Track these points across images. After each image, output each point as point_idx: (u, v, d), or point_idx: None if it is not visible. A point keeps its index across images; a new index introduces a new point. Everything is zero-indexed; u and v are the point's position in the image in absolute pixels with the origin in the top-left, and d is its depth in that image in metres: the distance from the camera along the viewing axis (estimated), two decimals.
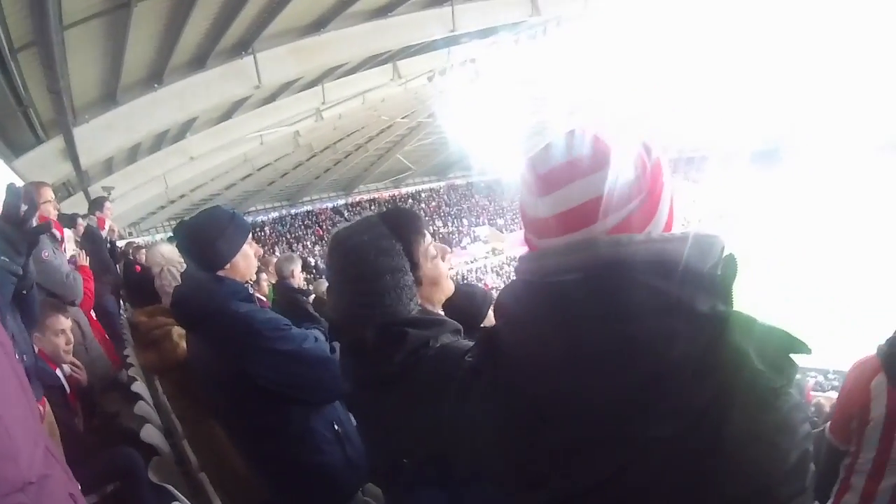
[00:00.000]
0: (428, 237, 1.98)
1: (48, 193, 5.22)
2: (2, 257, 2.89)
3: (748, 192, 47.90)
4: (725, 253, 1.19)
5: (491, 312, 1.84)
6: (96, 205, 8.63)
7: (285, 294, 6.38)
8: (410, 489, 1.93)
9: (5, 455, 1.34)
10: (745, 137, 45.96)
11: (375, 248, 1.85)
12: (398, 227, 1.92)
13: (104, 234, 8.56)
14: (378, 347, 1.82)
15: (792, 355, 1.11)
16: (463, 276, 39.31)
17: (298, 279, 7.27)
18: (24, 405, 1.50)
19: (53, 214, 5.24)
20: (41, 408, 3.24)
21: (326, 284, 6.57)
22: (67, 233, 5.73)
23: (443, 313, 2.06)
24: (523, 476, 1.26)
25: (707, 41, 34.36)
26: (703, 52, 35.41)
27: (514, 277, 1.37)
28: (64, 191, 15.59)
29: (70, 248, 5.56)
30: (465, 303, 3.26)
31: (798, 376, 1.10)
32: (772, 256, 36.16)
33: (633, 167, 1.23)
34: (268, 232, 40.83)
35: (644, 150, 1.27)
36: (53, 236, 5.08)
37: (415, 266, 1.89)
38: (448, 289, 2.07)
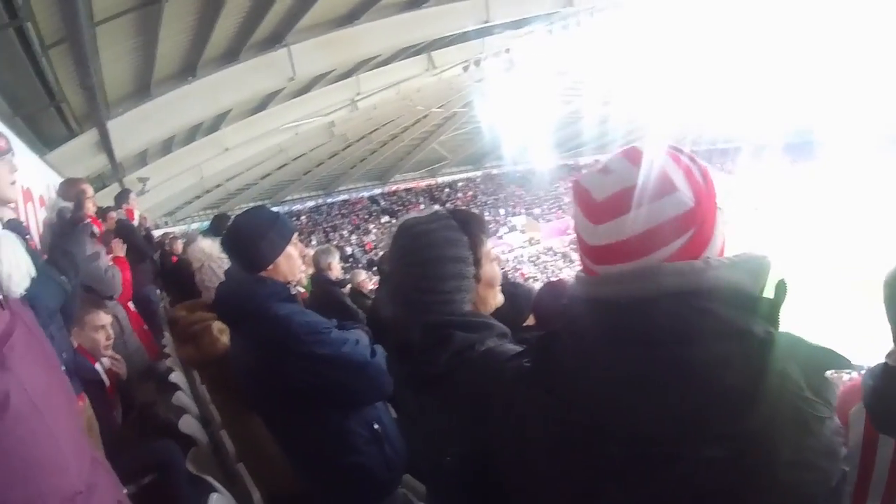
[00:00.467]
0: (489, 242, 1.98)
1: (89, 190, 5.32)
2: (61, 277, 2.99)
3: (782, 184, 47.20)
4: (775, 276, 1.19)
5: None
6: (122, 197, 8.70)
7: (321, 286, 6.37)
8: (452, 490, 1.94)
9: (58, 468, 1.34)
10: (779, 129, 45.22)
11: (443, 237, 1.85)
12: (466, 223, 1.92)
13: (135, 223, 8.65)
14: (423, 348, 1.81)
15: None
16: (501, 266, 39.16)
17: (336, 271, 7.25)
18: (71, 417, 1.51)
19: (92, 210, 5.34)
20: (80, 403, 3.28)
21: (363, 275, 6.55)
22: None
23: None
24: (573, 488, 1.27)
25: (741, 30, 33.80)
26: (737, 42, 34.86)
27: (573, 295, 1.37)
28: (98, 182, 15.65)
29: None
30: (507, 302, 3.37)
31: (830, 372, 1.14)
32: (806, 248, 35.53)
33: (692, 193, 1.21)
34: (304, 221, 40.99)
35: (699, 172, 1.25)
36: (91, 231, 5.04)
37: (476, 263, 1.89)
38: (499, 297, 2.06)
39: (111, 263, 5.35)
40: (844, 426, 2.71)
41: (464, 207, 2.33)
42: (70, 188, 5.20)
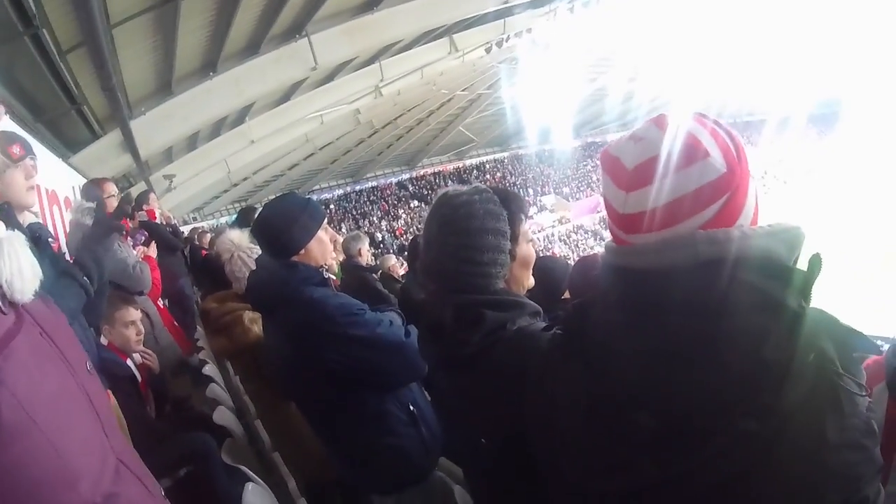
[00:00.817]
0: (527, 222, 1.99)
1: (110, 188, 5.37)
2: (84, 278, 2.98)
3: (809, 157, 46.54)
4: (810, 251, 1.15)
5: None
6: (142, 198, 8.70)
7: (353, 272, 6.37)
8: (488, 472, 1.98)
9: (63, 483, 1.30)
10: (805, 100, 44.62)
11: (484, 209, 1.86)
12: (506, 199, 1.93)
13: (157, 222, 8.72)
14: (455, 329, 1.81)
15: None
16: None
17: (366, 257, 7.30)
18: (90, 425, 1.46)
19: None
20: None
21: (393, 260, 6.57)
22: None
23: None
24: (604, 459, 1.23)
25: (766, 3, 33.37)
26: (761, 13, 34.38)
27: (604, 265, 1.34)
28: (125, 182, 15.87)
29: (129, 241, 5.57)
30: (545, 276, 3.27)
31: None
32: (835, 222, 34.95)
33: (724, 160, 1.17)
34: (333, 209, 41.12)
35: (730, 139, 1.22)
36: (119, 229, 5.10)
37: (514, 239, 1.91)
38: (531, 280, 2.08)
39: (140, 259, 5.36)
40: None
41: (504, 187, 2.28)
42: (93, 188, 5.21)
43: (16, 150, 2.82)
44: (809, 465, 1.04)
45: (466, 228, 1.83)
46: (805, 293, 1.11)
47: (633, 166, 1.21)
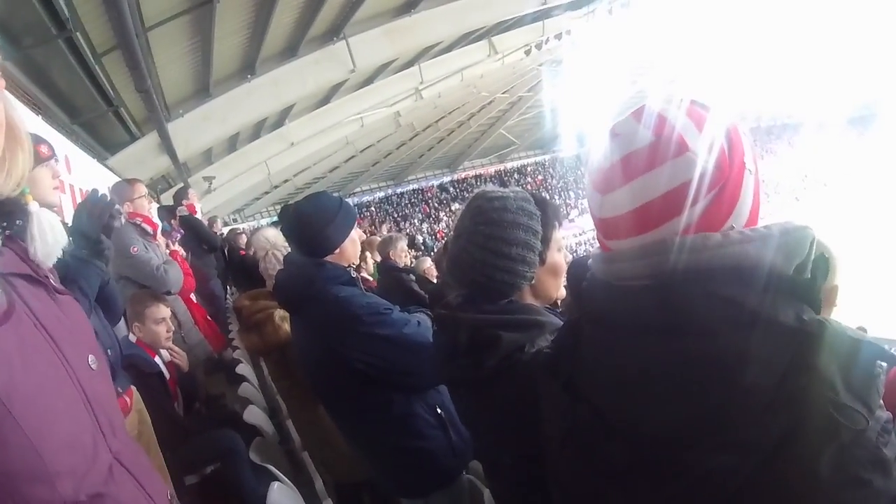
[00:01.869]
0: (561, 231, 1.99)
1: (140, 189, 5.36)
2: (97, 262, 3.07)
3: (849, 159, 45.79)
4: (817, 249, 1.07)
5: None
6: (181, 194, 8.87)
7: (388, 273, 6.41)
8: (511, 487, 1.92)
9: (38, 479, 1.24)
10: (845, 102, 44.01)
11: (518, 206, 1.85)
12: (542, 203, 1.92)
13: (198, 216, 8.85)
14: (470, 350, 1.77)
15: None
16: (573, 249, 38.98)
17: (402, 258, 7.31)
18: (79, 422, 1.40)
19: (147, 209, 5.36)
20: (127, 399, 3.39)
21: (428, 262, 6.60)
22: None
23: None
24: (580, 488, 1.19)
25: (805, 4, 32.93)
26: (799, 15, 33.96)
27: (590, 276, 1.29)
28: (164, 183, 16.09)
29: (161, 241, 5.62)
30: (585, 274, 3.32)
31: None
32: (876, 224, 34.18)
33: (709, 152, 1.08)
34: (374, 212, 41.41)
35: (720, 127, 1.12)
36: (143, 230, 5.22)
37: (545, 242, 1.88)
38: (562, 292, 2.05)
39: (168, 258, 5.40)
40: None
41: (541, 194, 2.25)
42: (120, 189, 5.25)
43: (43, 149, 2.92)
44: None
45: (499, 220, 1.81)
46: (810, 301, 1.02)
47: (608, 165, 1.14)
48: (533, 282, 1.87)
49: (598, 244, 1.27)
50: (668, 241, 1.06)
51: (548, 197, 2.13)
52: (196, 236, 8.06)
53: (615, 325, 1.15)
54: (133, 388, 3.52)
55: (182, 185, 10.32)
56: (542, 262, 1.87)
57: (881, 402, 0.98)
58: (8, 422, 1.19)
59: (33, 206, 1.54)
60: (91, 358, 1.52)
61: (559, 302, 2.46)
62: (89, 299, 3.01)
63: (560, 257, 1.95)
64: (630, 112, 1.16)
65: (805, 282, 1.03)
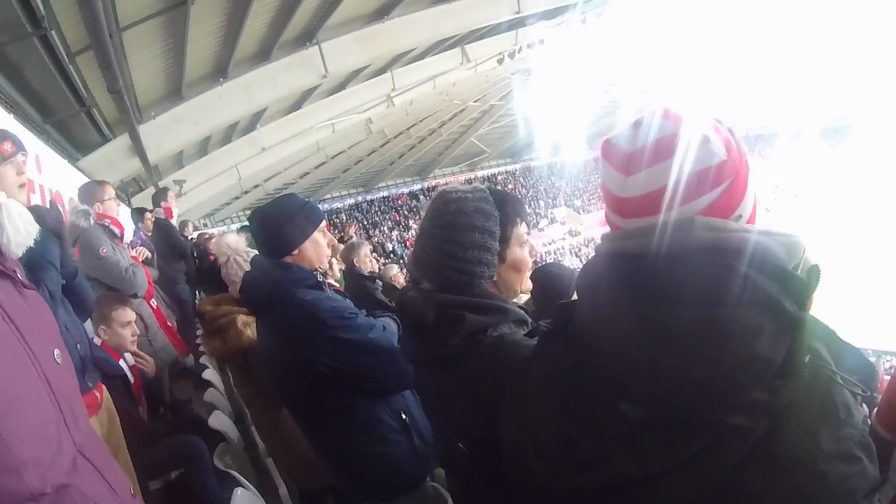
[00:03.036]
0: (524, 226, 2.00)
1: (109, 191, 5.36)
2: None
3: (821, 170, 46.43)
4: (809, 262, 1.14)
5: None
6: (160, 196, 8.86)
7: (354, 280, 6.41)
8: (467, 476, 1.95)
9: (4, 467, 1.27)
10: (817, 113, 44.62)
11: (475, 206, 1.87)
12: (502, 201, 1.93)
13: (173, 222, 8.80)
14: (436, 328, 1.80)
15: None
16: (541, 258, 39.11)
17: (367, 263, 7.33)
18: (44, 413, 1.43)
19: (115, 211, 5.34)
20: (97, 394, 3.38)
21: (395, 269, 6.66)
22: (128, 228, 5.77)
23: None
24: (578, 453, 1.17)
25: (777, 15, 33.42)
26: (773, 27, 34.48)
27: (595, 254, 1.33)
28: (135, 186, 15.94)
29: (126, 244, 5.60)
30: (550, 283, 3.43)
31: (872, 359, 0.99)
32: (845, 235, 34.73)
33: (724, 148, 1.18)
34: (345, 219, 41.23)
35: (729, 132, 1.23)
36: (112, 232, 5.22)
37: (504, 241, 1.90)
38: (525, 284, 2.05)
39: (133, 261, 5.39)
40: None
41: (505, 190, 2.30)
42: (89, 190, 5.23)
43: (7, 146, 2.86)
44: (804, 472, 0.99)
45: (453, 223, 1.83)
46: (801, 302, 1.07)
47: (633, 150, 1.21)
48: (494, 279, 1.90)
49: (609, 228, 1.32)
50: (693, 218, 1.13)
51: (510, 192, 2.16)
52: (166, 240, 8.03)
53: (625, 295, 1.19)
54: (102, 384, 3.52)
55: (164, 187, 10.27)
56: (503, 259, 1.90)
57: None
58: None
59: (1, 197, 1.54)
60: (56, 352, 1.53)
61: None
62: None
63: (522, 252, 1.97)
64: (651, 109, 1.24)
65: (801, 281, 1.09)
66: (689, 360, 1.05)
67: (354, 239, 8.80)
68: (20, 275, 1.53)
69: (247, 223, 8.40)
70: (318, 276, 2.96)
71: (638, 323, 1.13)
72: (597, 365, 1.20)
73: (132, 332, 4.51)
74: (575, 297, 2.03)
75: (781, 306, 1.05)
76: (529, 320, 1.90)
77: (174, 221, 8.93)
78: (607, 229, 1.29)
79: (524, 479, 1.33)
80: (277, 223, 2.86)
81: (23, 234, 1.63)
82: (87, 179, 7.69)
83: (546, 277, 3.66)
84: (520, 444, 1.34)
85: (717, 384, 1.03)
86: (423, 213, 1.98)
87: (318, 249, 2.97)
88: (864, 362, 1.08)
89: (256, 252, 3.44)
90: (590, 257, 1.36)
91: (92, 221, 4.94)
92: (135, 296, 5.26)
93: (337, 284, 6.92)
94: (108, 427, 3.41)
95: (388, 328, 2.85)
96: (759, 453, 1.00)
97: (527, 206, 37.95)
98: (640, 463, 1.07)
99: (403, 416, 2.83)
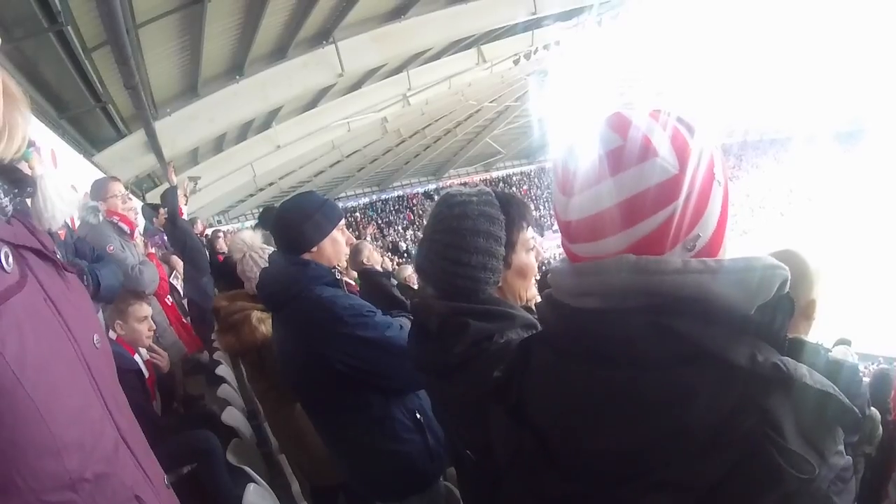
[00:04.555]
0: (530, 231, 1.94)
1: (118, 188, 5.32)
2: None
3: (835, 175, 46.09)
4: (783, 286, 1.01)
5: None
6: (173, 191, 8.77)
7: (368, 277, 6.41)
8: (475, 480, 1.92)
9: (45, 450, 1.24)
10: (831, 117, 44.29)
11: (479, 210, 1.83)
12: (507, 204, 1.89)
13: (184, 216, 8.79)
14: (440, 336, 1.78)
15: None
16: (555, 260, 39.01)
17: (375, 260, 7.31)
18: (86, 397, 1.41)
19: (122, 208, 5.28)
20: None
21: (410, 270, 6.63)
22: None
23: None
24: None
25: (792, 18, 33.25)
26: (788, 30, 34.31)
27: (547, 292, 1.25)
28: (150, 182, 16.01)
29: (140, 241, 5.59)
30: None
31: (886, 367, 0.92)
32: (859, 239, 34.44)
33: (677, 161, 1.04)
34: (359, 217, 41.33)
35: (690, 137, 1.08)
36: (121, 229, 5.18)
37: (509, 246, 1.87)
38: (532, 290, 2.01)
39: (144, 259, 5.37)
40: None
41: (510, 192, 2.26)
42: (99, 187, 5.23)
43: None
44: None
45: (457, 228, 1.80)
46: (774, 344, 0.98)
47: (574, 169, 1.11)
48: (499, 284, 1.87)
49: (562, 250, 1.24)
50: (615, 260, 1.03)
51: (516, 194, 2.11)
52: (183, 239, 8.06)
53: (563, 349, 1.13)
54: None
55: (175, 185, 10.33)
56: (508, 265, 1.87)
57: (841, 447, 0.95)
58: (19, 392, 1.19)
59: (39, 170, 1.54)
60: (96, 337, 1.53)
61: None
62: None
63: (528, 258, 1.94)
64: (603, 118, 1.14)
65: (764, 323, 0.99)
66: (612, 430, 1.00)
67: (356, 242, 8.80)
68: (61, 256, 1.53)
69: (258, 220, 8.41)
70: (336, 273, 2.95)
71: (567, 386, 1.08)
72: (531, 431, 1.15)
73: (148, 326, 4.50)
74: None
75: (723, 361, 0.94)
76: (538, 325, 1.80)
77: (185, 217, 8.92)
78: None
79: None
80: (297, 220, 2.86)
81: (65, 201, 1.62)
82: (102, 175, 7.73)
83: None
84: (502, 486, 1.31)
85: (637, 459, 0.97)
86: (429, 215, 1.95)
87: (337, 247, 2.98)
88: (841, 407, 0.95)
89: (272, 249, 3.43)
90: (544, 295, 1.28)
91: (101, 218, 4.93)
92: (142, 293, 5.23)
93: (353, 283, 6.92)
94: None
95: (405, 327, 2.81)
96: None
97: (542, 208, 37.85)
98: None
99: (418, 415, 2.82)
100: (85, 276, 3.18)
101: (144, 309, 4.51)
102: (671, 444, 0.93)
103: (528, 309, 1.97)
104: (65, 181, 1.67)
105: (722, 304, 0.97)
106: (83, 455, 1.31)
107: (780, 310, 0.99)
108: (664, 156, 1.03)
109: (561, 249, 1.19)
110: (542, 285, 2.14)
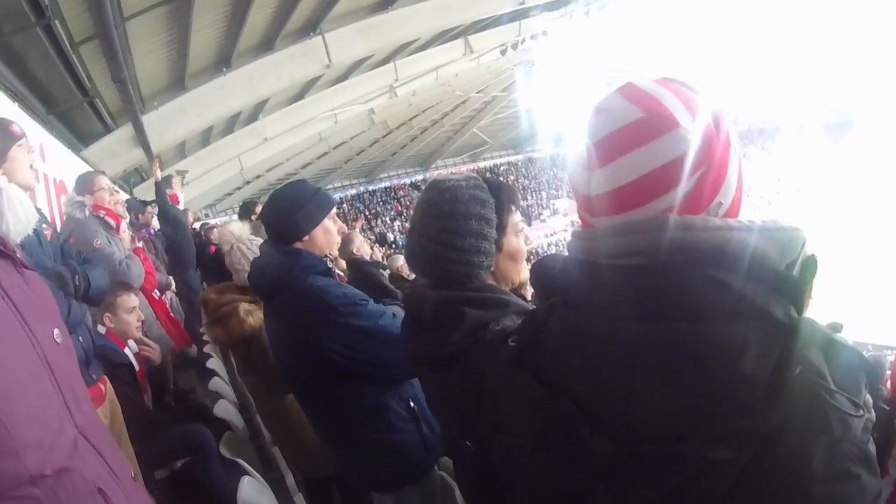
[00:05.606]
0: (518, 215, 1.94)
1: (102, 182, 5.33)
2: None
3: (823, 165, 46.24)
4: (807, 251, 1.04)
5: None
6: (165, 183, 8.73)
7: (359, 268, 6.41)
8: (475, 473, 1.90)
9: (5, 451, 1.25)
10: (820, 108, 44.43)
11: (470, 195, 1.82)
12: (496, 188, 1.89)
13: (180, 208, 8.77)
14: (434, 326, 1.77)
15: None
16: (543, 249, 39.01)
17: (366, 252, 7.22)
18: (45, 395, 1.41)
19: (108, 202, 5.28)
20: (101, 387, 3.42)
21: (402, 260, 6.63)
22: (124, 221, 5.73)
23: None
24: (556, 486, 1.11)
25: (782, 9, 33.40)
26: (777, 21, 34.44)
27: (569, 257, 1.23)
28: (137, 176, 15.94)
29: (126, 236, 5.54)
30: (549, 275, 3.36)
31: (877, 353, 0.93)
32: (847, 230, 34.64)
33: (698, 128, 1.05)
34: (346, 209, 41.23)
35: (706, 105, 1.09)
36: (107, 224, 5.18)
37: (500, 229, 1.85)
38: (524, 275, 2.00)
39: (130, 253, 5.35)
40: None
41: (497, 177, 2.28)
42: (84, 181, 5.21)
43: (16, 128, 2.88)
44: (795, 498, 0.91)
45: (449, 212, 1.79)
46: (796, 302, 1.00)
47: (595, 142, 1.11)
48: (492, 269, 1.86)
49: (580, 224, 1.24)
50: (666, 217, 1.02)
51: (503, 180, 2.11)
52: (176, 233, 8.06)
53: (596, 309, 1.10)
54: (105, 377, 3.54)
55: (168, 175, 10.23)
56: (500, 248, 1.86)
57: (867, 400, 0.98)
58: None
59: (2, 182, 1.53)
60: (56, 332, 1.52)
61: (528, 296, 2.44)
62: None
63: (518, 241, 1.93)
64: (616, 89, 1.14)
65: (795, 280, 1.01)
66: (666, 388, 0.98)
67: (343, 233, 8.74)
68: (20, 255, 1.53)
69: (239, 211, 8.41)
70: (328, 262, 2.94)
71: (609, 346, 1.06)
72: (568, 394, 1.12)
73: (137, 317, 4.52)
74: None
75: (768, 314, 0.97)
76: (532, 311, 1.79)
77: (180, 208, 8.89)
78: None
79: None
80: (289, 209, 2.86)
81: (23, 222, 1.62)
82: (90, 169, 7.70)
83: (545, 270, 3.64)
84: (510, 467, 1.28)
85: (698, 414, 0.95)
86: (416, 203, 1.94)
87: (329, 236, 2.97)
88: (866, 365, 1.00)
89: (260, 240, 3.45)
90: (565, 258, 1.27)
91: (87, 213, 4.92)
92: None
93: (342, 274, 6.91)
94: (111, 419, 3.42)
95: (397, 315, 2.78)
96: (746, 482, 0.92)
97: (529, 198, 37.84)
98: (617, 499, 1.02)
99: (412, 405, 2.82)
100: (76, 277, 3.18)
101: (132, 299, 4.53)
102: (730, 394, 0.93)
103: (517, 293, 1.97)
104: (25, 199, 1.66)
105: (761, 260, 1.00)
106: (42, 453, 1.32)
107: (808, 271, 1.03)
108: (686, 126, 1.04)
109: (548, 239, 1.17)
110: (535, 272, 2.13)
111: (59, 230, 4.70)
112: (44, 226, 3.19)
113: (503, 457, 1.30)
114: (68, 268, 3.16)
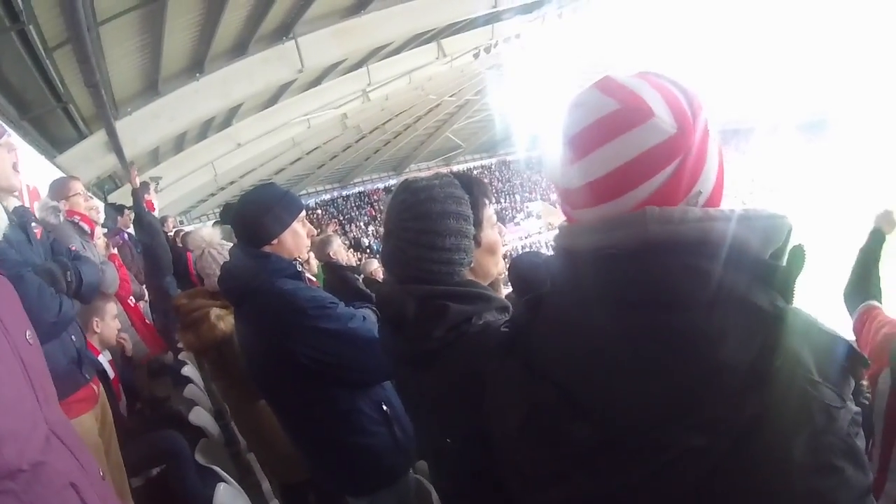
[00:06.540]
0: (491, 208, 1.95)
1: (76, 187, 5.29)
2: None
3: (797, 165, 46.68)
4: (793, 241, 1.06)
5: None
6: (143, 189, 8.68)
7: (334, 272, 6.40)
8: (455, 474, 1.88)
9: None
10: (794, 108, 44.77)
11: (446, 193, 1.81)
12: (468, 184, 1.89)
13: (155, 214, 8.72)
14: (417, 321, 1.74)
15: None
16: (517, 252, 39.09)
17: (342, 255, 7.16)
18: (18, 390, 1.42)
19: (83, 207, 5.24)
20: (94, 387, 3.40)
21: (376, 264, 6.63)
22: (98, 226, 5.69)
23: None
24: (539, 470, 1.13)
25: (754, 8, 33.73)
26: (750, 21, 34.79)
27: (555, 248, 1.25)
28: (111, 183, 15.80)
29: (101, 242, 5.52)
30: (530, 271, 3.35)
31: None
32: (822, 230, 35.07)
33: (673, 120, 1.07)
34: (320, 214, 41.12)
35: (683, 96, 1.12)
36: (82, 229, 5.12)
37: (478, 224, 1.86)
38: (500, 266, 2.00)
39: (104, 259, 5.31)
40: (872, 388, 2.66)
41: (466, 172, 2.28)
42: (58, 187, 5.18)
43: None
44: (775, 489, 0.92)
45: (427, 212, 1.77)
46: (784, 291, 1.02)
47: (572, 135, 1.12)
48: (472, 265, 1.86)
49: (565, 219, 1.24)
50: (645, 211, 1.03)
51: (473, 174, 2.12)
52: (150, 238, 8.00)
53: (582, 298, 1.11)
54: (98, 378, 3.53)
55: (145, 181, 10.14)
56: (478, 243, 1.86)
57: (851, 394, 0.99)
58: None
59: None
60: (28, 333, 1.55)
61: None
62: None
63: (494, 234, 1.93)
64: (592, 84, 1.15)
65: (782, 269, 1.03)
66: (646, 375, 0.99)
67: (324, 234, 8.74)
68: (43, 255, 1.55)
69: (219, 218, 8.39)
70: (298, 266, 2.94)
71: (591, 334, 1.08)
72: (552, 381, 1.13)
73: (116, 325, 4.57)
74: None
75: (748, 303, 0.98)
76: (511, 307, 1.83)
77: (155, 215, 8.85)
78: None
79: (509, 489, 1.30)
80: (257, 213, 2.85)
81: None
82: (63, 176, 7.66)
83: (526, 267, 3.64)
84: (501, 455, 1.29)
85: (677, 401, 0.96)
86: (387, 205, 1.89)
87: (298, 240, 2.95)
88: (852, 353, 1.00)
89: (231, 245, 3.41)
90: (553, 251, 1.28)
91: (62, 218, 4.88)
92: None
93: (314, 279, 6.89)
94: (102, 420, 3.41)
95: (368, 318, 2.82)
96: (725, 471, 0.94)
97: (503, 201, 37.95)
98: (596, 484, 1.04)
99: (384, 407, 2.81)
100: (68, 273, 3.15)
101: (114, 307, 4.61)
102: (708, 383, 0.94)
103: (494, 286, 1.99)
104: None
105: (742, 249, 1.01)
106: (19, 445, 1.33)
107: (795, 260, 1.03)
108: (661, 116, 1.06)
109: (522, 242, 1.19)
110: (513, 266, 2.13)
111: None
112: (33, 224, 3.18)
113: (496, 448, 1.31)
114: (59, 264, 3.13)
